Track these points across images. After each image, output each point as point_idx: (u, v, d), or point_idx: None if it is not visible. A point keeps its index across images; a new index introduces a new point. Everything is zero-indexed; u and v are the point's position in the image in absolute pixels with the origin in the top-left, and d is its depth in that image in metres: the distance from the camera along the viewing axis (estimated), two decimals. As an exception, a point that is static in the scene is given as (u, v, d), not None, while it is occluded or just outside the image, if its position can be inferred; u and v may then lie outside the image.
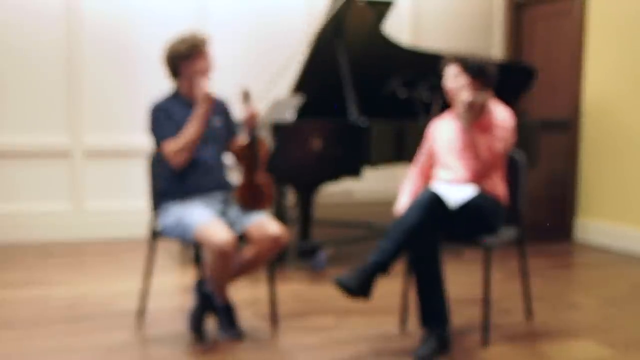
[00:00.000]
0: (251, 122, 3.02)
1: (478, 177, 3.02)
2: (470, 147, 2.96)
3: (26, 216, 5.12)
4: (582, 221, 5.43)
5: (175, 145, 2.96)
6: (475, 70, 3.04)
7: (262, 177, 3.08)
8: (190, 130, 2.96)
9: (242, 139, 3.08)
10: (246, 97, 3.00)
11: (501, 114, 3.05)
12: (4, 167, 5.07)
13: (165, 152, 2.99)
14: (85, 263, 4.53)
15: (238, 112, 3.15)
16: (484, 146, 2.95)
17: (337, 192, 5.86)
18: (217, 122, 3.16)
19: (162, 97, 3.12)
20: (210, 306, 3.04)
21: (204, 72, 3.07)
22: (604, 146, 5.23)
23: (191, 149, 2.97)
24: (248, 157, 3.05)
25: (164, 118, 3.03)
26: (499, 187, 3.08)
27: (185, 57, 3.03)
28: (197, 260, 2.97)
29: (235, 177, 3.27)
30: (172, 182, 3.06)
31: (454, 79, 3.07)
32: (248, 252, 2.99)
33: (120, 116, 5.29)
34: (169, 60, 3.07)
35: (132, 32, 5.29)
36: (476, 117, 2.98)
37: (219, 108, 3.20)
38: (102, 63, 5.25)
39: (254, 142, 3.05)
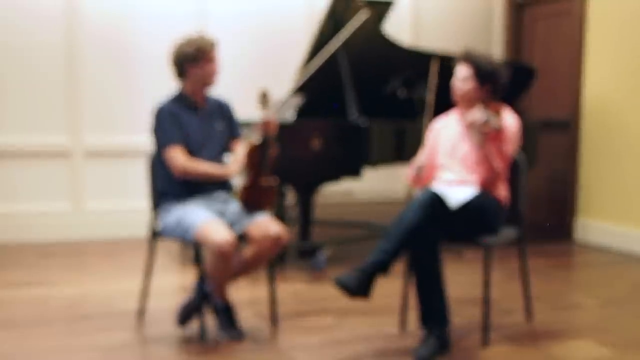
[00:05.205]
0: (265, 129, 3.01)
1: (488, 184, 3.01)
2: (486, 161, 2.95)
3: (26, 216, 5.12)
4: (582, 221, 5.42)
5: (188, 165, 2.98)
6: (486, 77, 3.02)
7: (268, 180, 3.07)
8: (208, 172, 3.01)
9: (254, 139, 3.06)
10: (264, 98, 2.98)
11: (509, 119, 3.03)
12: (4, 167, 5.07)
13: (170, 159, 2.99)
14: (85, 263, 4.53)
15: (253, 110, 3.13)
16: (497, 157, 2.94)
17: (337, 192, 5.85)
18: (219, 125, 3.16)
19: (167, 100, 3.12)
20: (208, 306, 3.04)
21: (211, 75, 3.07)
22: (604, 146, 5.23)
23: (195, 178, 3.02)
24: (257, 157, 3.02)
25: (171, 122, 3.03)
26: (501, 190, 3.08)
27: (192, 60, 3.03)
28: (197, 260, 2.97)
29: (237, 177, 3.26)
30: (172, 182, 3.06)
31: (462, 82, 3.06)
32: (248, 252, 2.99)
33: (120, 116, 5.29)
34: (176, 62, 3.07)
35: (132, 33, 5.29)
36: (488, 134, 2.94)
37: (220, 111, 3.20)
38: (102, 63, 5.24)
39: (265, 143, 3.02)
